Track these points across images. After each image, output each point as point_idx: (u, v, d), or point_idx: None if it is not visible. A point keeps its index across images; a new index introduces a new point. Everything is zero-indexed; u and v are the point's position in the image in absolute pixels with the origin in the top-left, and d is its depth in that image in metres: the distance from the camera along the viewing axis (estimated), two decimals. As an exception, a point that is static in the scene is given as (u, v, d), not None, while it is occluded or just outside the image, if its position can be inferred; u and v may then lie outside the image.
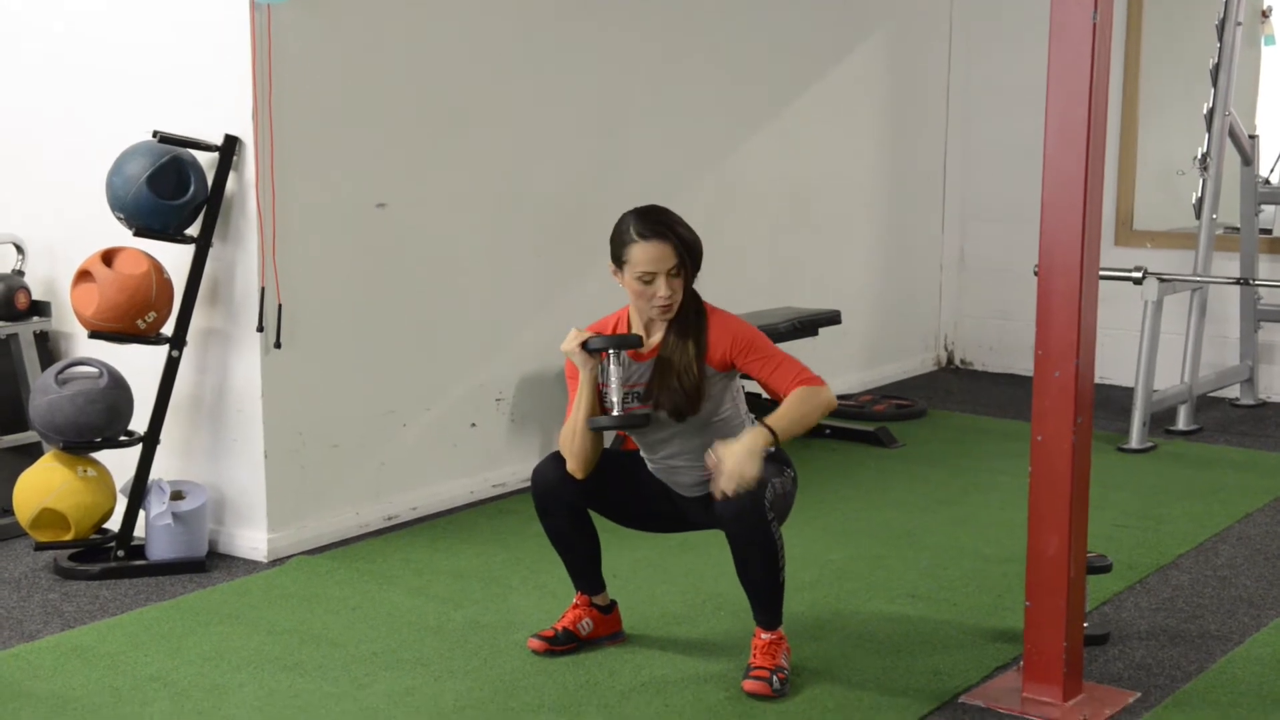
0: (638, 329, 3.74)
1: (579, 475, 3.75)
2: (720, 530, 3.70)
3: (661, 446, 3.80)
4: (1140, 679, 3.78)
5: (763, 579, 3.65)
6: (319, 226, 4.81)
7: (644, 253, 3.64)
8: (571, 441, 3.73)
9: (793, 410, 3.60)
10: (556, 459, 3.81)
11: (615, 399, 3.67)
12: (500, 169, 5.42)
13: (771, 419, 3.59)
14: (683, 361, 3.67)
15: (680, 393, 3.66)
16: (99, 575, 4.55)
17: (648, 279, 3.66)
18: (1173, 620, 4.20)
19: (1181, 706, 3.60)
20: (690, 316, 3.71)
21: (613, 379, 3.67)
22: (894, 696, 3.65)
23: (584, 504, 3.84)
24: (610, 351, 3.66)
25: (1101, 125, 3.46)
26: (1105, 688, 3.71)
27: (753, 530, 3.57)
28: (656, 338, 3.74)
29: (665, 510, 3.88)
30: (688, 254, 3.67)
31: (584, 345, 3.68)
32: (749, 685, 3.64)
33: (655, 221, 3.68)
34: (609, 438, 4.01)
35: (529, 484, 5.48)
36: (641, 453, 3.88)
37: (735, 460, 3.50)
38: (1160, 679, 3.78)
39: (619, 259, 3.70)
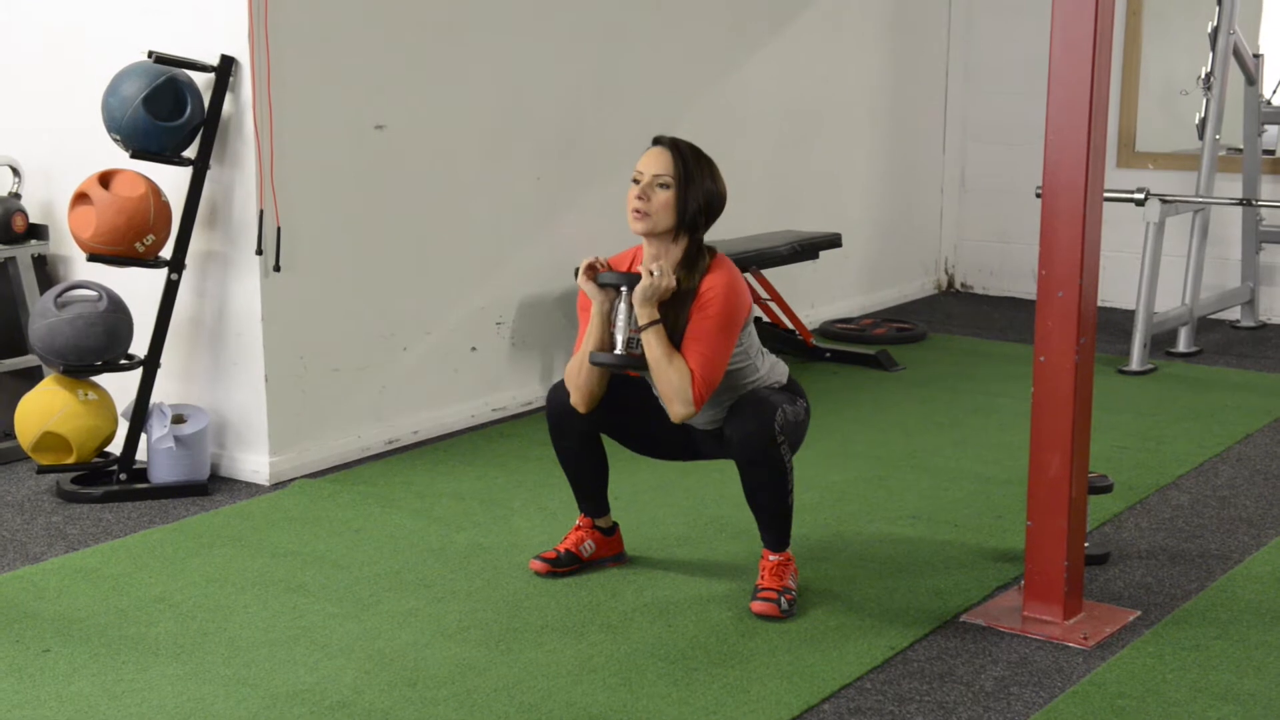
0: (647, 266, 3.65)
1: (581, 409, 3.73)
2: (731, 459, 3.70)
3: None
4: (1140, 598, 3.80)
5: (771, 503, 3.65)
6: (317, 148, 4.78)
7: (645, 155, 3.63)
8: (577, 376, 3.71)
9: (665, 362, 3.54)
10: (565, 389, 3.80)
11: (620, 338, 3.64)
12: (500, 91, 5.38)
13: (657, 338, 3.54)
14: (676, 306, 3.62)
15: (676, 338, 3.61)
16: (101, 498, 4.55)
17: (636, 179, 3.62)
18: (1172, 540, 4.22)
19: (1181, 624, 3.62)
20: (688, 261, 3.64)
21: (620, 316, 3.64)
22: (895, 616, 3.68)
23: (597, 429, 3.84)
24: (622, 289, 3.63)
25: (1108, 42, 3.43)
26: (1105, 606, 3.73)
27: (761, 453, 3.58)
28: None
29: (677, 439, 3.86)
30: (687, 178, 3.60)
31: (596, 279, 3.65)
32: (757, 606, 3.66)
33: (674, 139, 3.66)
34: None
35: (530, 407, 5.52)
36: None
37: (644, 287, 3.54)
38: (1160, 598, 3.80)
39: None
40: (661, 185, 3.60)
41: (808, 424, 3.77)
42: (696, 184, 3.62)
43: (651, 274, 3.56)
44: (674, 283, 3.59)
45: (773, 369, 3.78)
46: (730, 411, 3.67)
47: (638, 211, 3.61)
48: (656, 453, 3.95)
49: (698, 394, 3.55)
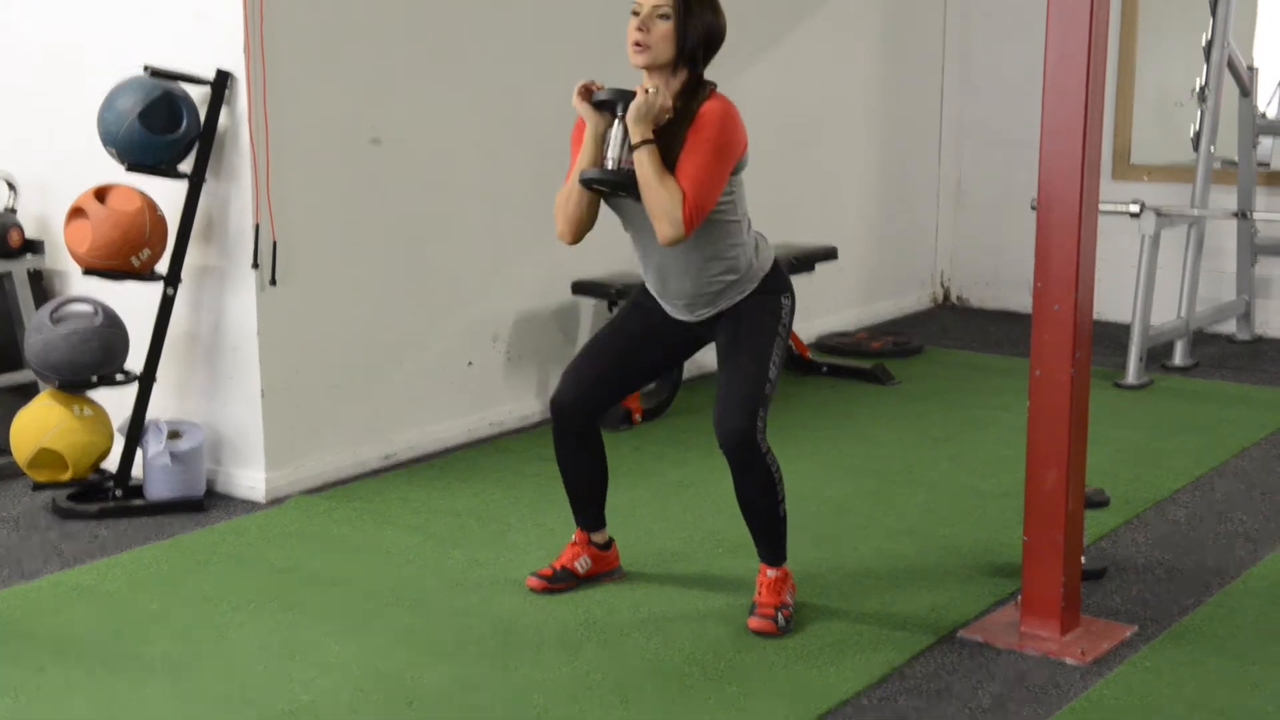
0: (645, 85, 3.56)
1: (568, 239, 3.65)
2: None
3: (656, 251, 3.64)
4: (1137, 613, 3.79)
5: (762, 510, 3.65)
6: (313, 162, 4.78)
7: None
8: (566, 204, 3.63)
9: (656, 181, 3.45)
10: (565, 380, 3.78)
11: (613, 156, 3.53)
12: (496, 104, 5.37)
13: (649, 157, 3.47)
14: (671, 131, 3.53)
15: (670, 163, 3.51)
16: (97, 515, 4.54)
17: (635, 10, 3.56)
18: (1169, 555, 4.22)
19: (1178, 640, 3.62)
20: (688, 91, 3.57)
21: (614, 137, 3.54)
22: (892, 631, 3.67)
23: (602, 408, 3.79)
24: (618, 108, 3.52)
25: (1102, 53, 3.43)
26: (1102, 621, 3.72)
27: (746, 459, 3.56)
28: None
29: (671, 344, 3.82)
30: (687, 8, 3.52)
31: (592, 100, 3.58)
32: (754, 623, 3.65)
33: None
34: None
35: (527, 422, 5.52)
36: (642, 272, 3.77)
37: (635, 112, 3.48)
38: (1157, 613, 3.79)
39: None
40: (661, 16, 3.54)
41: (794, 313, 3.74)
42: (696, 15, 3.56)
43: (647, 92, 3.51)
44: (669, 102, 3.52)
45: (759, 248, 3.72)
46: (721, 378, 3.61)
47: (638, 44, 3.54)
48: (659, 371, 3.97)
49: (688, 214, 3.47)
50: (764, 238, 3.80)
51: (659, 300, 3.77)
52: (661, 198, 3.46)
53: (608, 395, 3.82)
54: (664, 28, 3.53)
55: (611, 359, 3.80)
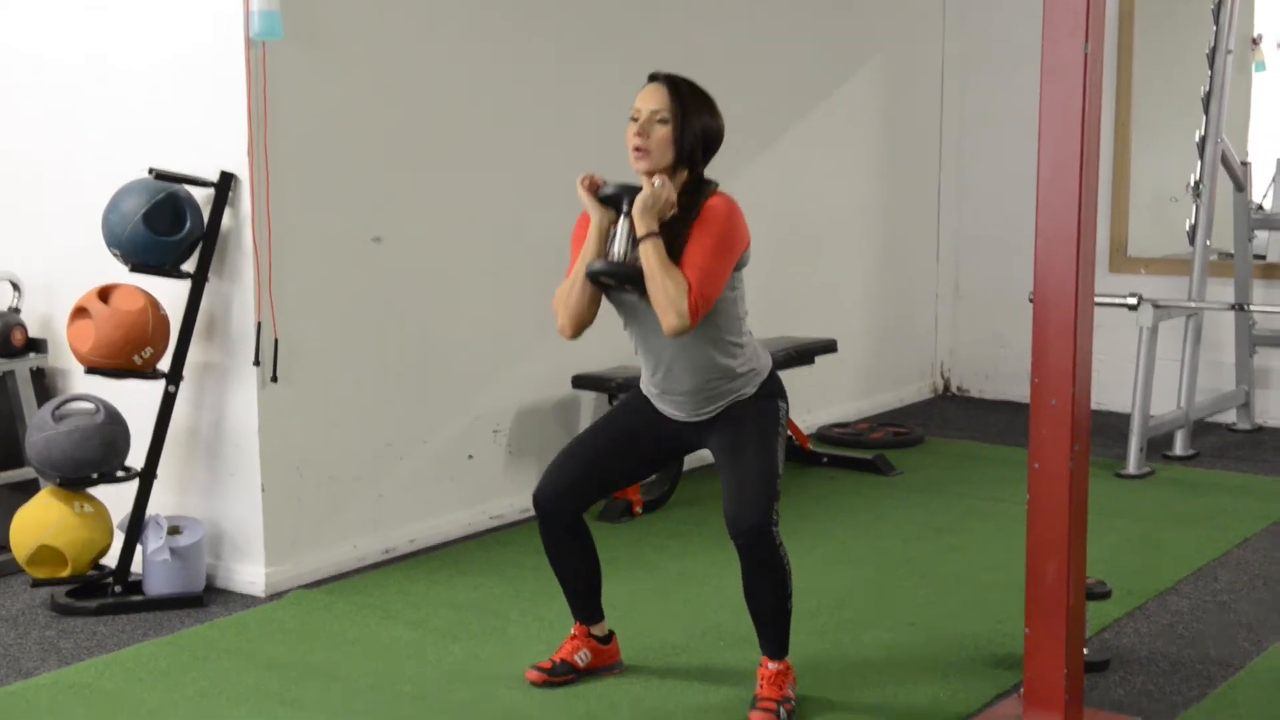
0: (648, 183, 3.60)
1: (568, 334, 3.67)
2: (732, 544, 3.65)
3: (659, 347, 3.67)
4: (1141, 705, 3.77)
5: (771, 605, 3.63)
6: (315, 261, 4.82)
7: (641, 92, 3.62)
8: (568, 297, 3.65)
9: (662, 272, 3.49)
10: (548, 474, 3.77)
11: (618, 249, 3.56)
12: (496, 203, 5.43)
13: (655, 249, 3.51)
14: (676, 227, 3.57)
15: (674, 257, 3.54)
16: (96, 611, 4.53)
17: (634, 116, 3.61)
18: (1173, 646, 4.20)
19: (1183, 733, 3.60)
20: (690, 190, 3.62)
21: (620, 232, 3.57)
22: (894, 725, 3.65)
23: (586, 504, 3.77)
24: (623, 203, 3.56)
25: (1094, 155, 3.47)
26: (1106, 714, 3.70)
27: (762, 554, 3.55)
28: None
29: (660, 445, 3.81)
30: (684, 112, 3.58)
31: (597, 195, 3.62)
32: (756, 717, 3.63)
33: (670, 74, 3.64)
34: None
35: (526, 515, 5.51)
36: (641, 366, 3.78)
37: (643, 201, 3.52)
38: (1161, 705, 3.77)
39: None
40: (660, 121, 3.58)
41: (786, 423, 3.73)
42: (693, 118, 3.60)
43: (653, 185, 3.54)
44: (674, 195, 3.55)
45: (759, 353, 3.74)
46: (727, 480, 3.61)
47: (638, 150, 3.58)
48: (646, 472, 3.91)
49: (693, 304, 3.49)
50: (762, 344, 3.84)
51: (656, 401, 3.79)
52: (667, 288, 3.49)
53: (590, 492, 3.81)
54: (663, 132, 3.59)
55: (595, 455, 3.80)
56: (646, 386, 3.80)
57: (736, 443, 3.66)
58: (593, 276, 3.60)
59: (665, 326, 3.52)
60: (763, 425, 3.68)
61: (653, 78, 3.66)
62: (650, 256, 3.52)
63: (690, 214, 3.58)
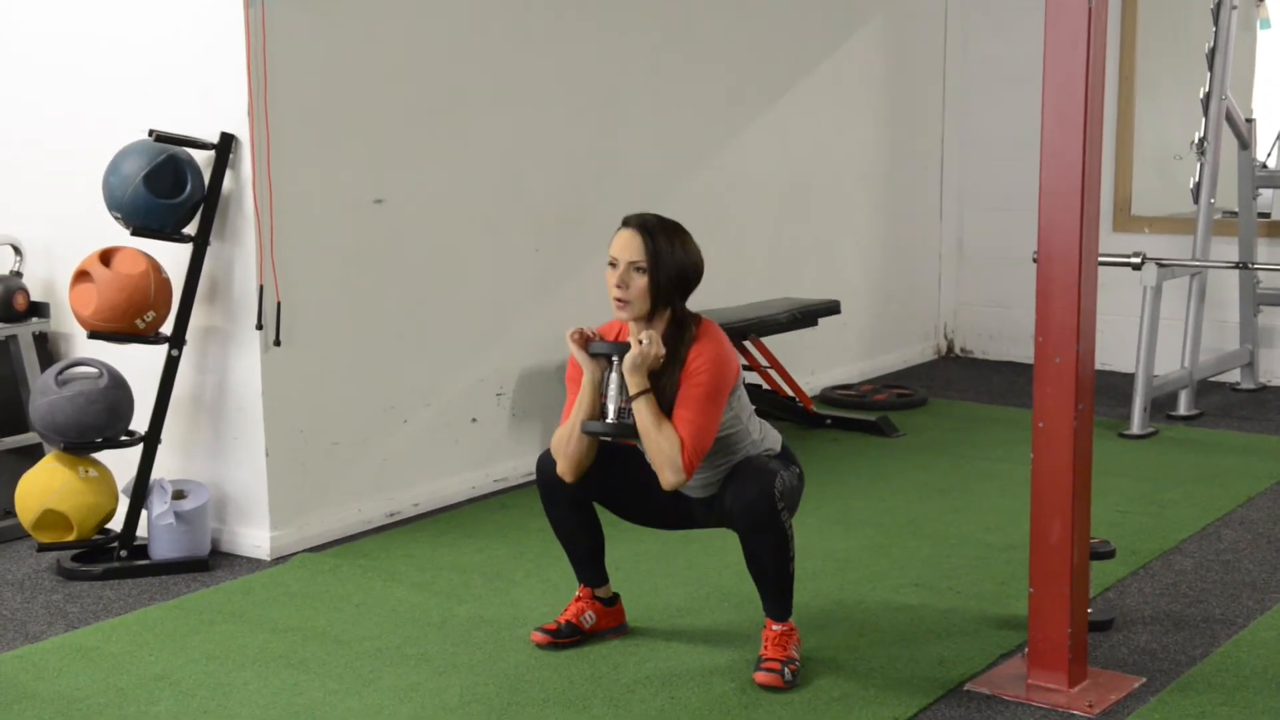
0: (636, 336, 3.68)
1: (569, 479, 3.76)
2: (727, 528, 3.71)
3: None
4: (1145, 664, 3.78)
5: (773, 570, 3.65)
6: (317, 223, 4.81)
7: (616, 238, 3.67)
8: (566, 444, 3.73)
9: (655, 430, 3.58)
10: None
11: (612, 407, 3.67)
12: (498, 163, 5.42)
13: (647, 406, 3.58)
14: (665, 374, 3.64)
15: (665, 406, 3.64)
16: (102, 576, 4.54)
17: (612, 264, 3.66)
18: (1176, 605, 4.20)
19: (1186, 691, 3.60)
20: (674, 331, 3.68)
21: (612, 386, 3.67)
22: (899, 685, 3.66)
23: (589, 497, 3.84)
24: (614, 358, 3.66)
25: (1099, 109, 3.45)
26: (1110, 673, 3.71)
27: (763, 520, 3.58)
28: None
29: (671, 507, 3.87)
30: (657, 257, 3.62)
31: (587, 349, 3.68)
32: (760, 677, 3.64)
33: (641, 218, 3.69)
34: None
35: (531, 478, 5.50)
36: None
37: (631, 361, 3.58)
38: (1165, 664, 3.78)
39: None
40: (638, 270, 3.63)
41: (802, 490, 3.78)
42: (666, 261, 3.64)
43: (641, 343, 3.59)
44: (663, 351, 3.62)
45: (765, 435, 3.79)
46: (727, 479, 3.68)
47: (620, 300, 3.66)
48: (651, 522, 3.95)
49: (687, 461, 3.57)
50: (772, 428, 3.87)
51: None
52: (662, 446, 3.58)
53: (594, 488, 3.84)
54: (641, 282, 3.64)
55: (612, 465, 3.82)
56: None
57: (740, 468, 3.70)
58: (591, 435, 3.70)
59: (663, 482, 3.62)
60: (768, 460, 3.71)
61: (625, 223, 3.69)
62: (644, 414, 3.60)
63: (676, 362, 3.64)
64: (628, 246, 3.65)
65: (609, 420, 3.67)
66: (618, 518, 3.95)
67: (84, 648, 3.99)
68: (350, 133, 4.89)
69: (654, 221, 3.69)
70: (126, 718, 3.55)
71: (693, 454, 3.58)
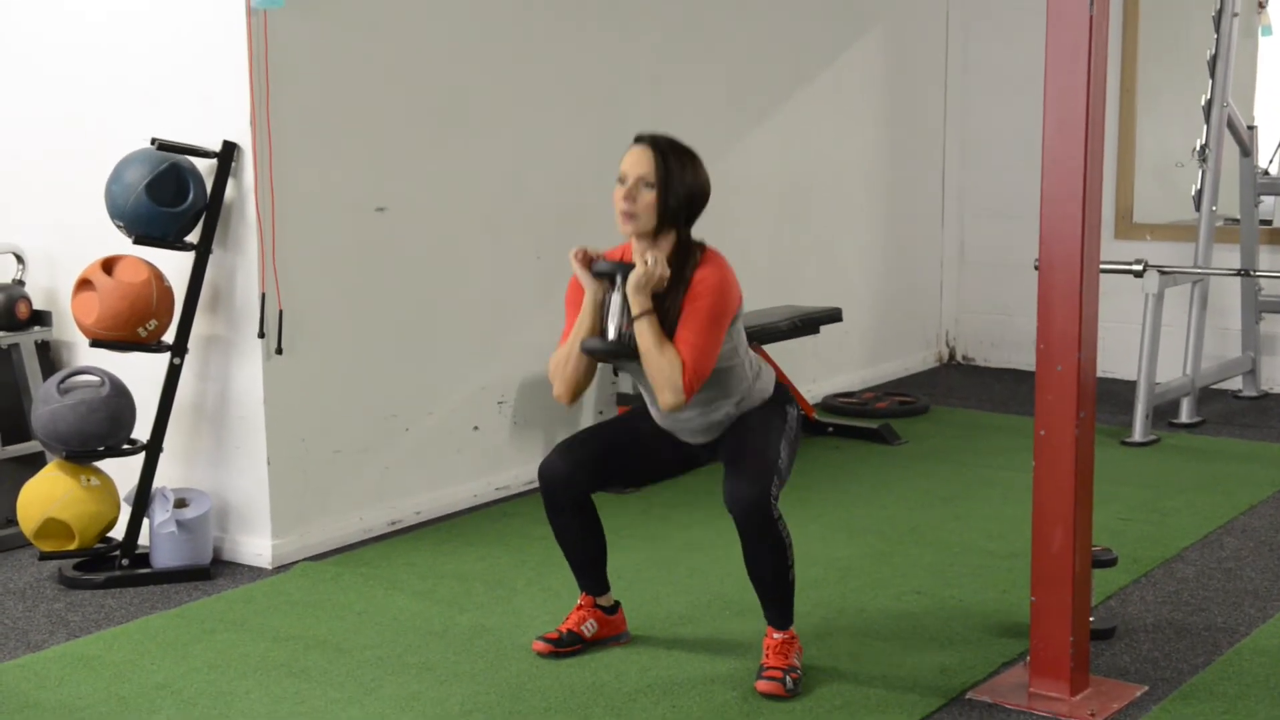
0: (641, 256, 3.64)
1: (565, 400, 3.75)
2: (729, 515, 3.69)
3: None
4: (1147, 672, 3.78)
5: (772, 576, 3.65)
6: (319, 231, 4.81)
7: (627, 154, 3.66)
8: (564, 366, 3.72)
9: (657, 351, 3.55)
10: (560, 452, 3.81)
11: (614, 326, 3.62)
12: (499, 171, 5.42)
13: (650, 327, 3.57)
14: (668, 296, 3.62)
15: (668, 328, 3.61)
16: (104, 584, 4.54)
17: (621, 179, 3.64)
18: (1179, 613, 4.20)
19: (1189, 699, 3.60)
20: (679, 254, 3.65)
21: (614, 306, 3.63)
22: (901, 693, 3.65)
23: (591, 488, 3.82)
24: (617, 278, 3.61)
25: (1100, 116, 3.45)
26: (1112, 682, 3.70)
27: (759, 526, 3.57)
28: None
29: (672, 457, 3.89)
30: (667, 175, 3.61)
31: (591, 268, 3.66)
32: (762, 685, 3.64)
33: (654, 135, 3.68)
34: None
35: (532, 486, 5.51)
36: (647, 405, 3.86)
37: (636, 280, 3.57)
38: (1167, 672, 3.77)
39: None
40: (646, 185, 3.62)
41: (799, 433, 3.79)
42: (676, 179, 3.63)
43: (646, 263, 3.58)
44: (668, 272, 3.60)
45: (760, 374, 3.79)
46: (728, 463, 3.67)
47: (626, 214, 3.63)
48: (657, 479, 3.96)
49: (688, 382, 3.56)
50: (764, 364, 3.87)
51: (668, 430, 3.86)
52: (662, 366, 3.57)
53: (597, 479, 3.83)
54: (649, 197, 3.62)
55: (610, 446, 3.86)
56: (656, 421, 3.86)
57: (741, 433, 3.73)
58: (590, 354, 3.67)
59: (661, 403, 3.60)
60: (768, 423, 3.73)
61: (638, 139, 3.69)
62: (645, 335, 3.58)
63: (680, 285, 3.63)
64: (639, 162, 3.63)
65: (610, 339, 3.63)
66: (630, 491, 3.92)
67: (86, 656, 3.98)
68: (352, 140, 4.89)
69: (666, 141, 3.67)
70: (128, 727, 3.55)
71: (693, 375, 3.56)
